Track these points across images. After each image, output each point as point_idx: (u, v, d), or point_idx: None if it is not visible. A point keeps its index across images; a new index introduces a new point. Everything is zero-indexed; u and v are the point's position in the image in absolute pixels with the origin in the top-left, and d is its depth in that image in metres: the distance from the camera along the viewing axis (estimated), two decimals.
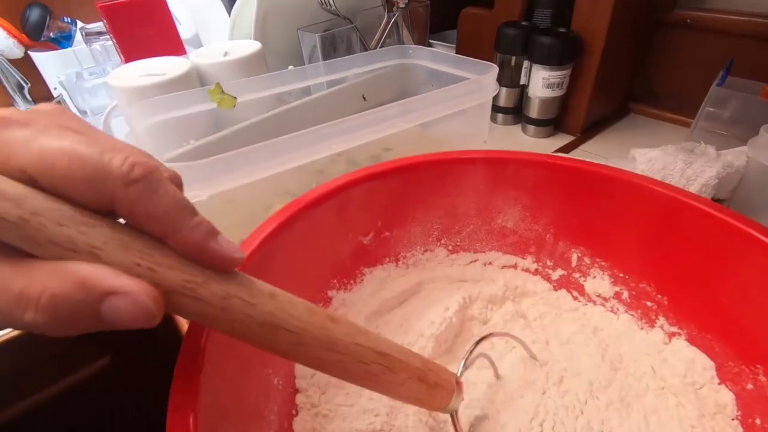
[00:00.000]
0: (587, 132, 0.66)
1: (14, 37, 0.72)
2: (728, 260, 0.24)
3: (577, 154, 0.61)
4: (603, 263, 0.31)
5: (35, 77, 0.77)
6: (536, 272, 0.33)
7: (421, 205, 0.33)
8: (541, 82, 0.60)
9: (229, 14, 0.56)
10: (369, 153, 0.46)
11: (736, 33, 0.58)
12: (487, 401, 0.26)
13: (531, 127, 0.66)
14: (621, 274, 0.30)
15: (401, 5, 0.56)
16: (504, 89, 0.66)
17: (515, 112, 0.68)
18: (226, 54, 0.48)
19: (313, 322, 0.17)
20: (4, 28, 0.71)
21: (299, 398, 0.25)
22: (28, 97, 0.76)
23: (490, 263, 0.34)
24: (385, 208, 0.32)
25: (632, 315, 0.29)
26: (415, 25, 0.72)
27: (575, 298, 0.32)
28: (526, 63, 0.62)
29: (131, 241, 0.14)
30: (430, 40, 0.83)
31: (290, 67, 0.51)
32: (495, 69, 0.41)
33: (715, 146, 0.44)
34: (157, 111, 0.38)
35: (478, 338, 0.26)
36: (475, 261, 0.34)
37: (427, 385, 0.21)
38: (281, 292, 0.17)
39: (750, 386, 0.23)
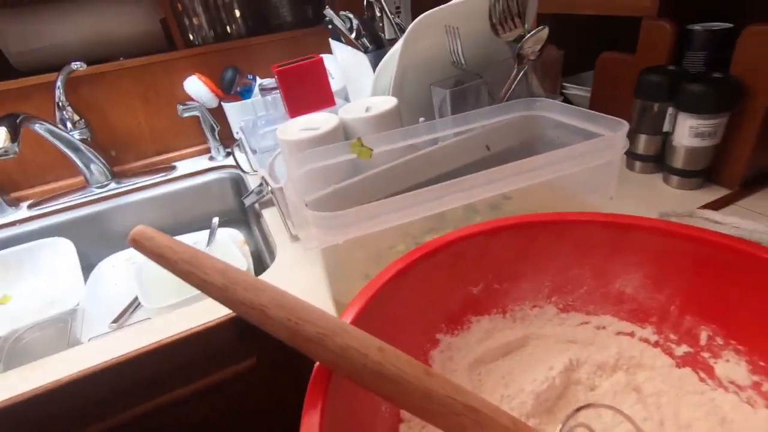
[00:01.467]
0: (748, 186, 0.57)
1: (213, 91, 0.93)
2: None
3: (732, 210, 0.54)
4: (739, 347, 0.28)
5: (223, 122, 0.97)
6: (656, 344, 0.31)
7: (533, 262, 0.34)
8: (689, 131, 0.55)
9: (374, 71, 0.65)
10: (488, 201, 0.49)
11: None
12: None
13: (675, 178, 0.60)
14: (762, 363, 0.27)
15: (531, 58, 0.58)
16: (643, 136, 0.62)
17: (656, 160, 0.63)
18: (367, 109, 0.55)
19: (411, 374, 0.21)
20: (207, 85, 0.92)
21: (402, 427, 0.28)
22: (217, 137, 0.97)
23: (604, 327, 0.33)
24: (497, 262, 0.34)
25: None
26: (547, 72, 0.73)
27: (702, 380, 0.29)
28: (671, 110, 0.57)
29: (285, 302, 0.20)
30: (564, 83, 0.82)
31: (421, 119, 0.57)
32: (626, 126, 0.40)
33: None
34: (310, 161, 0.47)
35: (581, 404, 0.26)
36: (587, 323, 0.34)
37: None
38: (388, 347, 0.21)
39: None
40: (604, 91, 0.71)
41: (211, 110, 0.96)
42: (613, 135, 0.40)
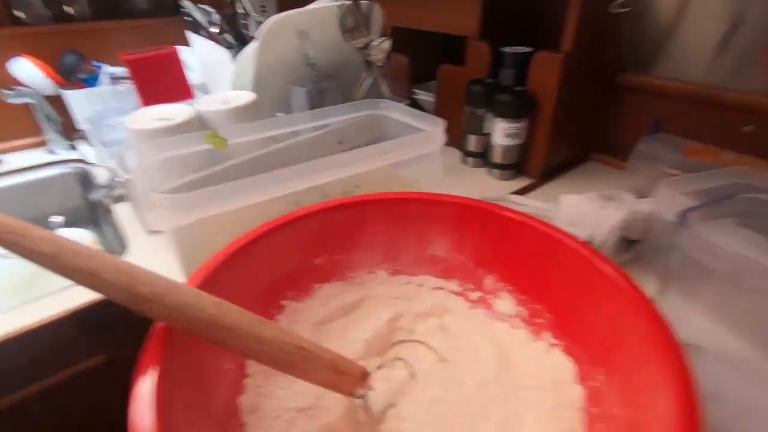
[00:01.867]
0: (546, 176, 0.73)
1: (50, 77, 0.84)
2: (589, 289, 0.31)
3: (534, 195, 0.68)
4: (510, 287, 0.38)
5: (64, 112, 0.87)
6: (459, 294, 0.40)
7: (367, 235, 0.40)
8: (501, 132, 0.69)
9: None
10: (340, 189, 0.54)
11: (671, 95, 0.67)
12: (399, 392, 0.32)
13: (495, 171, 0.74)
14: (522, 297, 0.37)
15: (379, 64, 0.66)
16: (472, 137, 0.75)
17: (483, 156, 0.76)
18: (225, 103, 0.57)
19: (245, 322, 0.25)
20: (43, 69, 0.83)
21: (247, 381, 0.31)
22: (57, 128, 0.87)
23: (422, 285, 0.41)
24: (336, 236, 0.39)
25: (527, 329, 0.36)
26: (397, 78, 0.82)
27: (486, 315, 0.39)
28: (488, 115, 0.70)
29: (121, 267, 0.22)
30: (415, 89, 0.92)
31: (278, 114, 0.60)
32: (442, 123, 0.49)
33: (636, 194, 0.51)
34: (162, 150, 0.47)
35: (406, 350, 0.33)
36: (411, 283, 0.41)
37: (336, 372, 0.28)
38: (224, 302, 0.25)
39: (596, 384, 0.29)
40: (446, 97, 0.83)
41: (49, 98, 0.85)
42: (432, 129, 0.49)
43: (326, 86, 0.63)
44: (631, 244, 0.49)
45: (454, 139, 0.79)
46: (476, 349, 0.36)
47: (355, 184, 0.56)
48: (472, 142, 0.75)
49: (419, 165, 0.54)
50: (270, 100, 0.66)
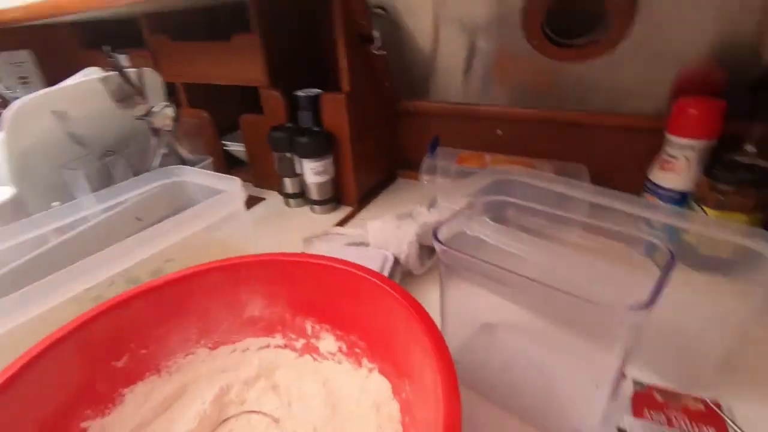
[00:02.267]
0: (364, 201, 0.80)
1: None
2: (379, 310, 0.35)
3: (354, 223, 0.73)
4: (327, 326, 0.40)
5: None
6: (285, 346, 0.41)
7: (175, 317, 0.38)
8: (310, 171, 0.72)
9: None
10: (149, 268, 0.50)
11: (447, 114, 0.79)
12: None
13: (316, 207, 0.77)
14: (339, 332, 0.39)
15: (168, 129, 0.63)
16: (288, 180, 0.77)
17: (303, 196, 0.79)
18: None
19: None
20: None
21: None
22: None
23: (248, 349, 0.41)
24: (137, 329, 0.37)
25: (350, 360, 0.39)
26: (200, 134, 0.80)
27: (315, 359, 0.40)
28: (295, 157, 0.74)
29: None
30: (226, 141, 0.91)
31: (55, 204, 0.53)
32: (237, 182, 0.50)
33: (429, 205, 0.60)
34: None
35: (240, 423, 0.32)
36: (235, 350, 0.41)
37: None
38: None
39: (404, 395, 0.33)
40: (254, 146, 0.84)
41: None
42: (231, 189, 0.49)
43: (111, 162, 0.58)
44: (430, 252, 0.57)
45: (274, 184, 0.81)
46: (307, 398, 0.37)
47: (166, 259, 0.52)
48: (289, 185, 0.78)
49: (228, 224, 0.53)
50: (43, 190, 0.57)
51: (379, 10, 0.65)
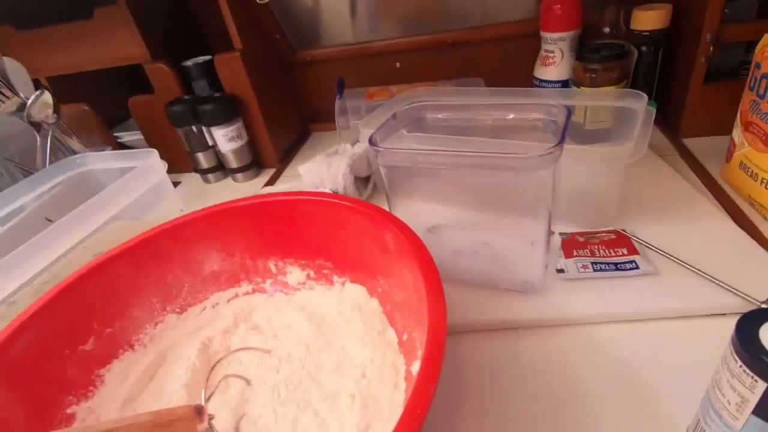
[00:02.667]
0: (284, 160, 0.79)
1: None
2: (340, 226, 0.37)
3: (282, 180, 0.73)
4: (290, 260, 0.41)
5: None
6: (254, 291, 0.42)
7: (130, 290, 0.37)
8: (223, 139, 0.70)
9: None
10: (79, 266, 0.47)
11: (345, 57, 0.80)
12: (242, 401, 0.33)
13: (238, 175, 0.75)
14: (303, 261, 0.41)
15: (50, 122, 0.57)
16: (200, 154, 0.74)
17: (221, 168, 0.76)
18: None
19: None
20: None
21: None
22: None
23: (218, 304, 0.41)
24: (95, 309, 0.35)
25: (320, 283, 0.41)
26: (86, 128, 0.72)
27: (286, 294, 0.42)
28: (202, 128, 0.70)
29: None
30: (116, 134, 0.83)
31: None
32: (153, 153, 0.47)
33: (351, 142, 0.62)
34: None
35: (233, 366, 0.32)
36: (204, 308, 0.41)
37: (164, 427, 0.26)
38: None
39: (380, 289, 0.36)
40: (151, 129, 0.78)
41: None
42: (147, 161, 0.46)
43: None
44: (366, 180, 0.59)
45: (187, 165, 0.77)
46: (291, 326, 0.38)
47: (93, 254, 0.49)
48: (203, 159, 0.74)
49: (158, 206, 0.51)
50: None
51: None
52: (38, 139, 0.56)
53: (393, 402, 0.29)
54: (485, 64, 0.76)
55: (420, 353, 0.28)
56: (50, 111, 0.55)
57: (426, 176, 0.40)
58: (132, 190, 0.44)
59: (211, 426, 0.29)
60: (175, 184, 0.79)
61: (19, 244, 0.49)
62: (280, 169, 0.77)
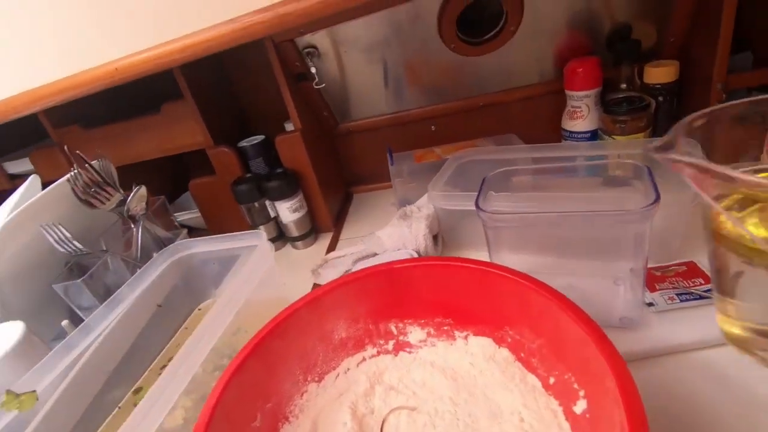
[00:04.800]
0: (337, 224, 0.84)
1: None
2: (457, 284, 0.41)
3: (342, 245, 0.78)
4: (409, 321, 0.45)
5: None
6: (378, 353, 0.45)
7: (281, 364, 0.40)
8: (287, 211, 0.75)
9: None
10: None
11: (383, 126, 0.87)
12: None
13: (298, 243, 0.80)
14: (422, 320, 0.45)
15: (142, 213, 0.61)
16: (263, 227, 0.78)
17: (282, 237, 0.81)
18: None
19: None
20: None
21: None
22: None
23: (349, 369, 0.44)
24: (257, 387, 0.38)
25: (441, 339, 0.44)
26: (157, 215, 0.77)
27: (409, 352, 0.45)
28: (267, 202, 0.75)
29: None
30: (174, 215, 0.88)
31: (64, 323, 0.49)
32: (261, 234, 0.52)
33: (413, 203, 0.67)
34: None
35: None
36: (338, 375, 0.44)
37: None
38: None
39: (509, 339, 0.40)
40: (211, 208, 0.83)
41: None
42: (259, 242, 0.51)
43: (100, 264, 0.55)
44: (435, 238, 0.64)
45: None
46: (425, 382, 0.42)
47: (232, 333, 0.51)
48: (265, 231, 0.79)
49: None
50: (31, 316, 0.52)
51: (310, 49, 0.71)
52: (134, 230, 0.60)
53: None
54: (513, 120, 0.84)
55: (582, 393, 0.32)
56: (144, 203, 0.60)
57: (518, 230, 0.46)
58: (258, 267, 0.48)
59: None
60: None
61: (135, 330, 0.52)
62: (336, 233, 0.82)
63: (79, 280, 0.50)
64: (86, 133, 0.77)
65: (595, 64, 0.71)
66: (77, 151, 0.54)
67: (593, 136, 0.74)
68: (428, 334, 0.45)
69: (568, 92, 0.74)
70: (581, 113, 0.74)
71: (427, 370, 0.43)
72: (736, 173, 0.25)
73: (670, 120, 0.72)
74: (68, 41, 0.52)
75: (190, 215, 0.87)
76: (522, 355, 0.39)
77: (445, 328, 0.44)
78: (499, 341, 0.41)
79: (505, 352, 0.40)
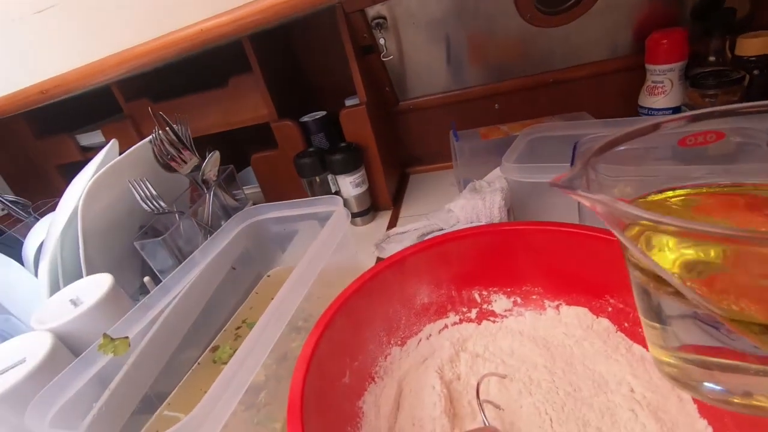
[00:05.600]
0: (396, 204, 0.83)
1: None
2: (547, 248, 0.39)
3: (403, 221, 0.76)
4: (494, 289, 0.43)
5: None
6: (461, 321, 0.44)
7: (365, 324, 0.39)
8: (350, 186, 0.74)
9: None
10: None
11: (444, 104, 0.85)
12: (507, 426, 0.34)
13: (357, 219, 0.79)
14: (509, 289, 0.43)
15: (214, 179, 0.62)
16: None
17: None
18: (76, 303, 0.44)
19: None
20: None
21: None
22: None
23: (431, 335, 0.43)
24: (344, 344, 0.37)
25: (529, 309, 0.42)
26: (225, 184, 0.78)
27: (494, 322, 0.43)
28: (330, 177, 0.75)
29: None
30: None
31: (146, 279, 0.50)
32: (339, 200, 0.51)
33: (476, 178, 0.65)
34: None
35: (472, 393, 0.34)
36: (420, 340, 0.42)
37: None
38: None
39: (610, 309, 0.38)
40: (271, 181, 0.84)
41: None
42: (335, 207, 0.50)
43: (177, 226, 0.56)
44: (508, 212, 0.62)
45: None
46: (513, 351, 0.40)
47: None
48: None
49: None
50: (114, 270, 0.53)
51: (379, 20, 0.69)
52: (206, 195, 0.60)
53: (685, 411, 0.30)
54: (581, 98, 0.80)
55: None
56: (217, 169, 0.60)
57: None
58: (336, 232, 0.47)
59: None
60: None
61: (209, 291, 0.52)
62: (395, 211, 0.80)
63: (159, 238, 0.51)
64: (155, 106, 0.79)
65: (682, 36, 0.66)
66: (160, 112, 0.55)
67: (676, 112, 0.69)
68: (515, 303, 0.43)
69: (649, 66, 0.69)
70: (663, 88, 0.69)
71: (516, 338, 0.41)
72: (628, 208, 0.19)
73: (766, 96, 0.66)
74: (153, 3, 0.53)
75: (248, 189, 0.88)
76: (626, 325, 0.37)
77: (534, 297, 0.42)
78: (597, 311, 0.39)
79: (605, 322, 0.38)
